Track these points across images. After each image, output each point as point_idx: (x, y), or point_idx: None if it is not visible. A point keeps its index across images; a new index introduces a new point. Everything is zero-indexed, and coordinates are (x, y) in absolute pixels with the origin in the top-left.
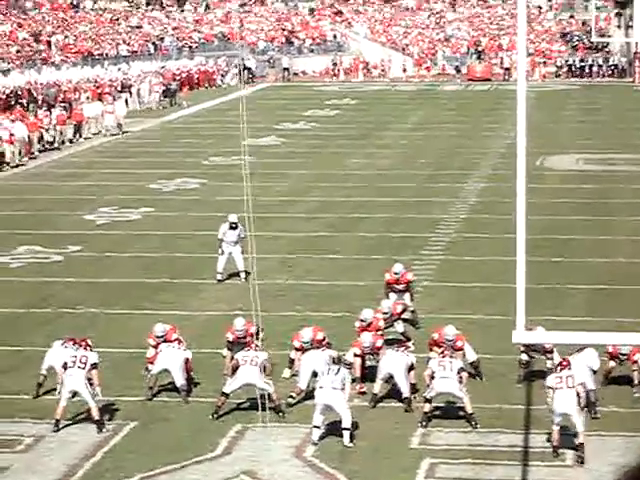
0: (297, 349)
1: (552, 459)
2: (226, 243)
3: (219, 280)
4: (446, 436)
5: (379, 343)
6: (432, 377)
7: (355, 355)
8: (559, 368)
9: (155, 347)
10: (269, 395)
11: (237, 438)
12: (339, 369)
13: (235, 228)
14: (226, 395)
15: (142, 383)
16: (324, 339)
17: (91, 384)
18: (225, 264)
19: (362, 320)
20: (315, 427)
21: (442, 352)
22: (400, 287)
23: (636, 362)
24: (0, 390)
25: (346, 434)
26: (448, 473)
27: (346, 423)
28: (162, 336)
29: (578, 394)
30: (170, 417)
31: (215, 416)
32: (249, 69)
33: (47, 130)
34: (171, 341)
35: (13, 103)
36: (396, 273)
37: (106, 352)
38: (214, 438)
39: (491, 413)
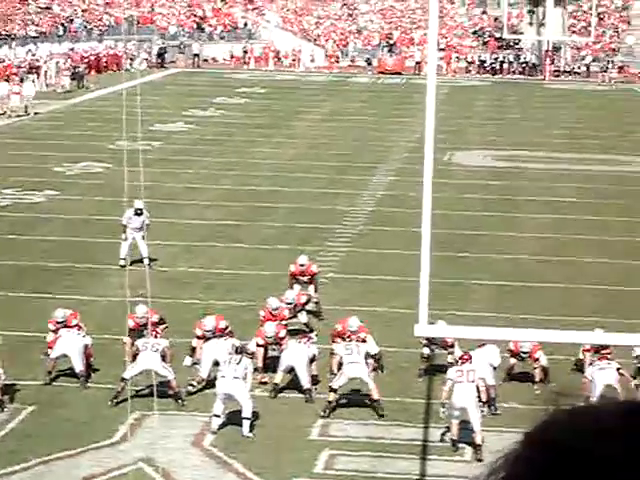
0: (199, 337)
1: (451, 454)
2: (130, 229)
3: (122, 266)
4: (346, 428)
5: (282, 333)
6: (339, 365)
7: (258, 345)
8: (460, 362)
9: (55, 332)
10: (169, 382)
11: (135, 425)
12: (241, 359)
13: (140, 214)
14: (125, 381)
15: (40, 367)
16: (227, 328)
17: None
18: (129, 250)
19: (274, 309)
20: (215, 416)
21: (348, 337)
22: (305, 278)
23: (537, 360)
24: None
25: (246, 424)
26: (347, 465)
27: (246, 413)
28: (62, 321)
29: (478, 388)
30: (68, 402)
31: (114, 402)
32: (159, 54)
33: None
34: (71, 327)
35: None
36: (301, 265)
37: (5, 335)
38: (112, 425)
39: (392, 406)
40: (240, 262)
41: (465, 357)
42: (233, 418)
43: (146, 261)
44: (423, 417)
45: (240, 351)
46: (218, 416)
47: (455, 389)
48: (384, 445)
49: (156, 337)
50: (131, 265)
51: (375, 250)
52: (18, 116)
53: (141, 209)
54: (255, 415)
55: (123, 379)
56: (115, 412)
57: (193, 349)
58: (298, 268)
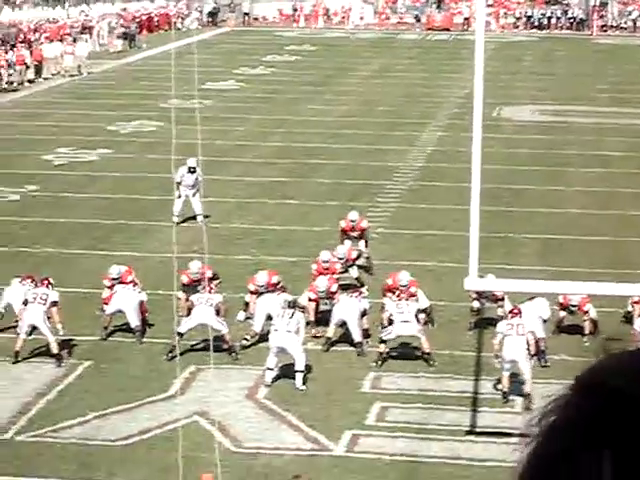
0: (252, 292)
1: (501, 405)
2: (183, 186)
3: (176, 223)
4: (397, 380)
5: (334, 288)
6: (390, 320)
7: (309, 299)
8: (510, 315)
9: (110, 288)
10: (223, 336)
11: (190, 379)
12: (294, 313)
13: (193, 172)
14: (180, 335)
15: (97, 323)
16: (279, 283)
17: (50, 321)
18: (182, 207)
19: (324, 261)
20: (268, 369)
21: (398, 295)
22: (355, 234)
23: (586, 312)
24: None
25: (299, 376)
26: (398, 417)
27: (299, 366)
28: (117, 278)
29: (527, 342)
30: (124, 357)
31: (169, 356)
32: (210, 12)
33: (11, 68)
34: (126, 283)
35: None
36: (352, 220)
37: (61, 291)
38: (167, 379)
39: (442, 359)
40: (291, 219)
41: (515, 311)
42: (286, 371)
43: (199, 218)
44: (473, 370)
45: (293, 305)
46: (271, 369)
47: (505, 342)
48: (434, 397)
49: (210, 292)
50: (184, 222)
51: (424, 205)
52: (71, 76)
53: (194, 167)
54: (308, 368)
55: (179, 333)
56: (170, 366)
57: (246, 304)
58: (349, 224)
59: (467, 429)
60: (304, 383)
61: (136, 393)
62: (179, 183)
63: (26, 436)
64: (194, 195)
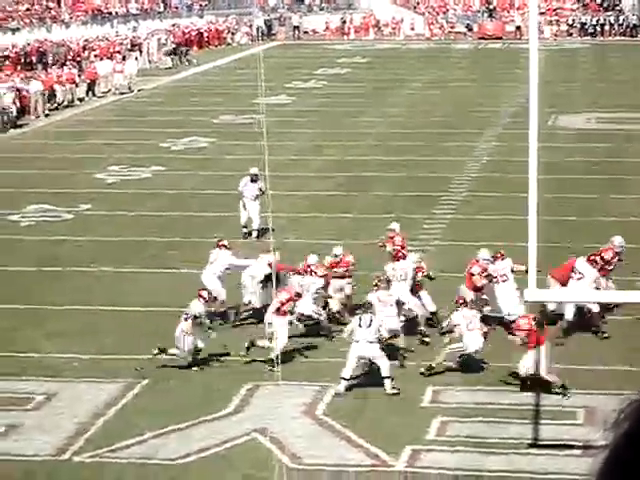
0: None
1: (562, 417)
2: (246, 198)
3: (245, 234)
4: (457, 394)
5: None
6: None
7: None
8: None
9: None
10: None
11: (247, 396)
12: (371, 320)
13: (255, 181)
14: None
15: (152, 341)
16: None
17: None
18: (247, 218)
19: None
20: (343, 379)
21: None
22: (341, 270)
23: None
24: (11, 348)
25: (387, 382)
26: (459, 431)
27: (385, 372)
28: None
29: None
30: (181, 375)
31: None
32: (259, 27)
33: (64, 86)
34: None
35: (22, 62)
36: (336, 255)
37: (117, 310)
38: (225, 396)
39: (502, 371)
40: (347, 232)
41: None
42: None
43: (254, 233)
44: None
45: (368, 309)
46: (347, 379)
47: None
48: (495, 410)
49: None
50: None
51: (480, 216)
52: (122, 93)
53: (257, 174)
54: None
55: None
56: (227, 384)
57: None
58: (333, 259)
59: (529, 442)
60: (393, 388)
61: (194, 411)
62: (242, 193)
63: (84, 457)
64: (256, 207)
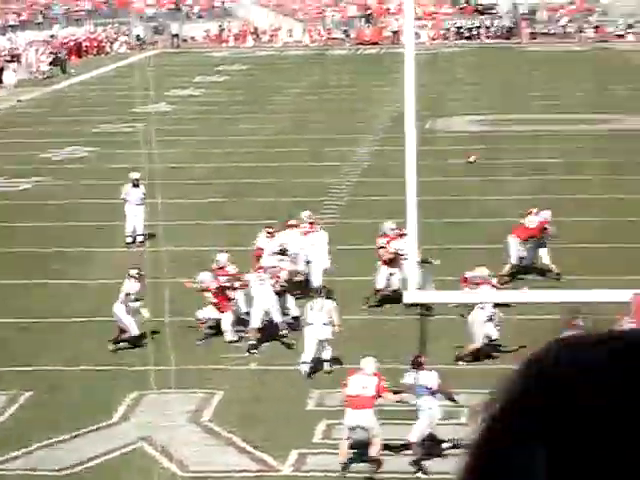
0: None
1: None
2: (130, 204)
3: (127, 243)
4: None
5: None
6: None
7: None
8: None
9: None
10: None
11: (133, 405)
12: (323, 304)
13: (138, 185)
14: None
15: (39, 351)
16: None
17: None
18: (132, 226)
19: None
20: (304, 363)
21: None
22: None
23: None
24: None
25: (326, 365)
26: (340, 434)
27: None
28: None
29: None
30: (66, 385)
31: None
32: (138, 36)
33: None
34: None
35: None
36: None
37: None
38: (111, 405)
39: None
40: (230, 239)
41: None
42: (231, 393)
43: (139, 238)
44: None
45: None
46: (308, 363)
47: None
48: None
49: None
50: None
51: (362, 220)
52: None
53: (138, 179)
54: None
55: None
56: (112, 393)
57: None
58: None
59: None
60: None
61: (80, 421)
62: (125, 200)
63: None
64: (140, 214)
